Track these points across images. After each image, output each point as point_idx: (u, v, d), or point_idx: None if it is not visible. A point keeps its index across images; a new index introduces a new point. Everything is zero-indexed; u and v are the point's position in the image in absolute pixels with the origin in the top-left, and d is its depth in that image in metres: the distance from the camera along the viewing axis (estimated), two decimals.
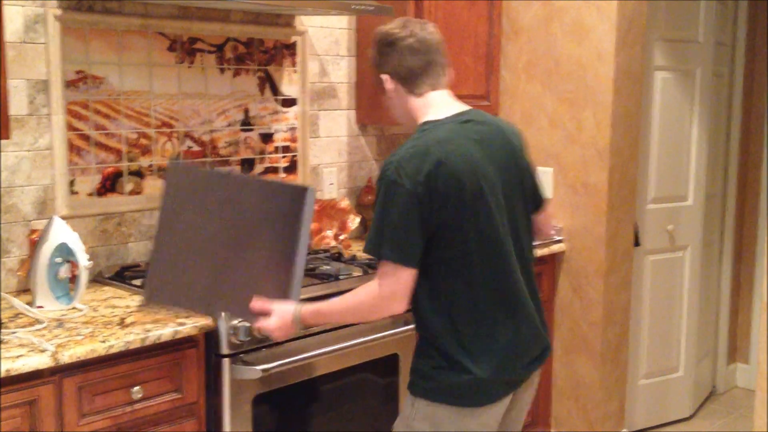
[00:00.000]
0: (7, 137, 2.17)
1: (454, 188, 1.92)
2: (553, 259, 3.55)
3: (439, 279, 1.98)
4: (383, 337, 2.66)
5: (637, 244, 3.71)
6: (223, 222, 2.22)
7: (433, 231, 1.93)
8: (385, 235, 1.92)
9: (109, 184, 2.73)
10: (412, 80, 2.05)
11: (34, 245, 2.38)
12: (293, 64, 3.21)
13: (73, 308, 2.33)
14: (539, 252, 3.25)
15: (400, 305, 1.96)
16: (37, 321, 2.20)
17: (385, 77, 2.07)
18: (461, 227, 1.94)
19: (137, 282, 2.58)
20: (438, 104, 2.06)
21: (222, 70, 2.99)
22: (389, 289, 1.94)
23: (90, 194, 2.68)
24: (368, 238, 1.96)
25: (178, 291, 2.24)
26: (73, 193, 2.63)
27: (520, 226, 2.07)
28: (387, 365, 2.75)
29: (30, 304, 2.33)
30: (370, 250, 1.96)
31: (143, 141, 2.80)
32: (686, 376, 4.11)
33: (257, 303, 2.11)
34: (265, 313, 2.10)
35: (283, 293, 2.14)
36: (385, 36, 2.06)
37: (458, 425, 2.00)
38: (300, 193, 2.18)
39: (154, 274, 2.27)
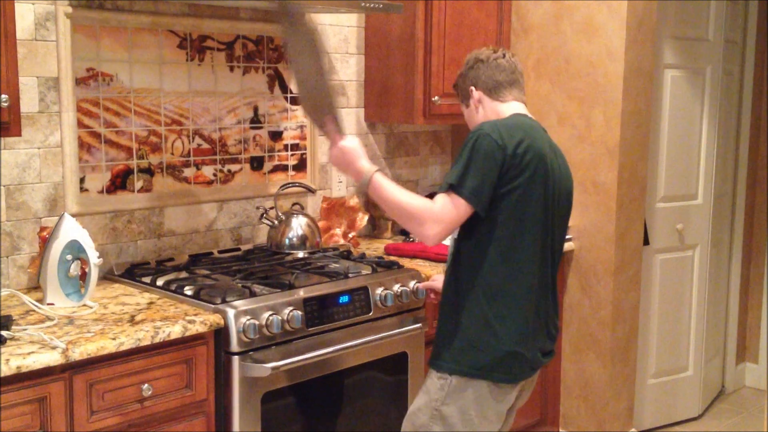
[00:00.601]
0: (19, 134, 2.17)
1: (533, 163, 2.08)
2: (563, 258, 3.54)
3: (488, 247, 2.09)
4: (392, 335, 2.67)
5: (646, 242, 3.70)
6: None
7: (502, 193, 2.06)
8: (464, 173, 2.04)
9: (119, 182, 2.73)
10: (498, 90, 2.27)
11: (45, 242, 2.38)
12: None
13: (84, 305, 2.34)
14: None
15: (438, 235, 2.07)
16: (48, 318, 2.20)
17: (472, 89, 2.29)
18: (525, 200, 2.08)
19: (147, 279, 2.58)
20: (521, 108, 2.27)
21: (232, 68, 2.99)
22: (442, 214, 2.05)
23: (100, 192, 2.69)
24: (448, 174, 2.08)
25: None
26: (83, 190, 2.64)
27: (557, 231, 2.24)
28: (396, 363, 2.75)
29: (40, 301, 2.34)
30: (447, 181, 2.07)
31: (153, 138, 2.80)
32: (695, 376, 4.10)
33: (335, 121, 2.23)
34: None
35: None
36: (478, 54, 2.31)
37: (489, 404, 2.12)
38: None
39: None
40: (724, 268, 4.37)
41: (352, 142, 2.20)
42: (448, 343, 2.15)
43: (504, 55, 2.29)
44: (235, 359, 2.30)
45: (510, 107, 2.26)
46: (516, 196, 2.07)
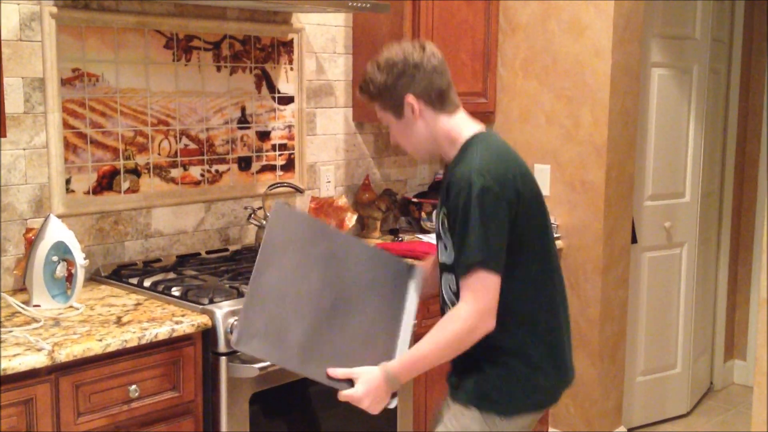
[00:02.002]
0: (4, 135, 2.16)
1: (532, 193, 1.95)
2: None
3: (517, 284, 1.93)
4: None
5: (634, 241, 3.71)
6: (326, 278, 2.05)
7: (515, 236, 1.90)
8: (482, 244, 1.84)
9: (106, 183, 2.72)
10: (441, 99, 2.00)
11: (31, 244, 2.37)
12: (290, 62, 3.20)
13: (70, 307, 2.33)
14: None
15: (493, 320, 1.88)
16: (34, 320, 2.19)
17: (411, 99, 1.97)
18: (537, 232, 1.97)
19: (134, 280, 2.57)
20: (469, 121, 2.04)
21: (219, 68, 2.98)
22: (485, 304, 1.86)
23: (86, 192, 2.68)
24: (461, 250, 1.87)
25: (269, 341, 1.96)
26: (69, 191, 2.63)
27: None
28: None
29: (26, 303, 2.32)
30: (468, 262, 1.86)
31: (140, 139, 2.79)
32: (683, 373, 4.11)
33: (338, 370, 1.94)
34: (349, 380, 1.93)
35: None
36: (406, 58, 1.97)
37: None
38: (408, 269, 2.18)
39: (247, 317, 1.94)
40: (711, 266, 4.39)
41: (368, 385, 1.92)
42: (487, 380, 1.98)
43: (434, 54, 1.99)
44: (223, 360, 2.29)
45: (460, 120, 2.02)
46: (530, 229, 1.95)
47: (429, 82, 1.97)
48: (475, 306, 1.86)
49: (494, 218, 1.85)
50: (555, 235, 3.45)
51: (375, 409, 1.94)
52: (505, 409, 1.97)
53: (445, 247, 2.00)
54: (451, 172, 1.95)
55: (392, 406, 1.97)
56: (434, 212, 2.07)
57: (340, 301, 2.04)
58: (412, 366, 1.93)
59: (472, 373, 1.99)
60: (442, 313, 2.04)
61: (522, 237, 1.92)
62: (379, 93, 2.00)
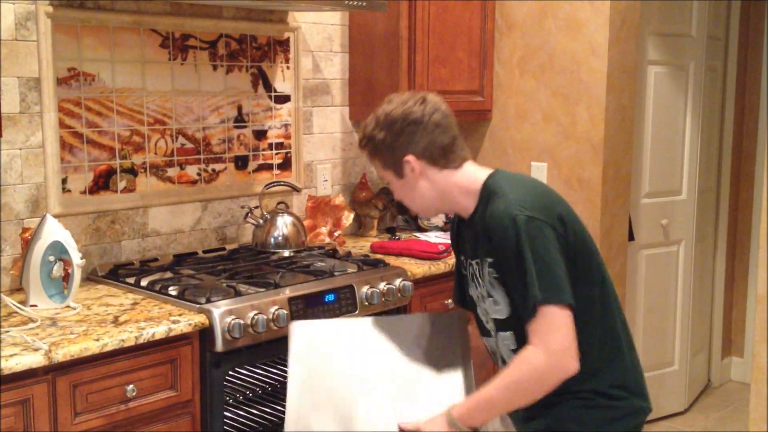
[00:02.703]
0: (0, 135, 2.16)
1: (576, 220, 1.84)
2: None
3: (589, 313, 1.79)
4: None
5: (631, 238, 3.71)
6: (375, 368, 1.96)
7: (573, 265, 1.76)
8: (543, 278, 1.68)
9: (102, 182, 2.72)
10: (446, 155, 1.86)
11: (27, 244, 2.37)
12: (286, 61, 3.20)
13: (67, 307, 2.32)
14: None
15: (576, 360, 1.70)
16: (30, 320, 2.19)
17: (410, 159, 1.84)
18: (591, 258, 1.84)
19: (131, 280, 2.57)
20: (479, 168, 1.90)
21: (215, 67, 2.98)
22: (562, 343, 1.69)
23: (83, 192, 2.67)
24: (524, 293, 1.71)
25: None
26: (65, 191, 2.62)
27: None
28: None
29: (23, 302, 2.32)
30: (532, 303, 1.69)
31: (136, 138, 2.79)
32: (681, 370, 4.12)
33: (407, 424, 1.82)
34: None
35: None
36: (406, 115, 1.84)
37: None
38: (450, 318, 2.04)
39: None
40: (708, 263, 4.39)
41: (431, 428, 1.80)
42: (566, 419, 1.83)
43: (437, 108, 1.85)
44: (221, 359, 2.29)
45: (470, 169, 1.89)
46: (584, 255, 1.82)
47: (430, 140, 1.83)
48: (549, 348, 1.68)
49: (549, 249, 1.71)
50: None
51: None
52: None
53: (495, 303, 1.83)
54: (482, 216, 1.80)
55: None
56: (468, 269, 1.93)
57: (396, 379, 1.93)
58: (481, 408, 1.78)
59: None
60: None
61: (581, 264, 1.78)
62: (378, 151, 1.89)
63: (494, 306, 1.84)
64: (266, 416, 2.72)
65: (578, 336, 1.72)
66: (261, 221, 2.98)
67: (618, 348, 1.87)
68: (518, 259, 1.71)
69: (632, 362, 1.90)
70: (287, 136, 3.25)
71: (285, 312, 2.39)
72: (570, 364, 1.69)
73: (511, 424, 1.98)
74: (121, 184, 2.76)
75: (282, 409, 2.68)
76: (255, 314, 2.33)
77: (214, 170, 3.02)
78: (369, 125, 1.91)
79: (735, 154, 4.44)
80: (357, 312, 2.61)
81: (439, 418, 1.79)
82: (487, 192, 1.82)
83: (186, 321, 2.22)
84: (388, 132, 1.85)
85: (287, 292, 2.47)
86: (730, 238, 4.51)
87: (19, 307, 2.27)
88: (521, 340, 1.77)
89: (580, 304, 1.73)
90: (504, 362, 1.88)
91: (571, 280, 1.73)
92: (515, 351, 1.80)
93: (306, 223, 3.16)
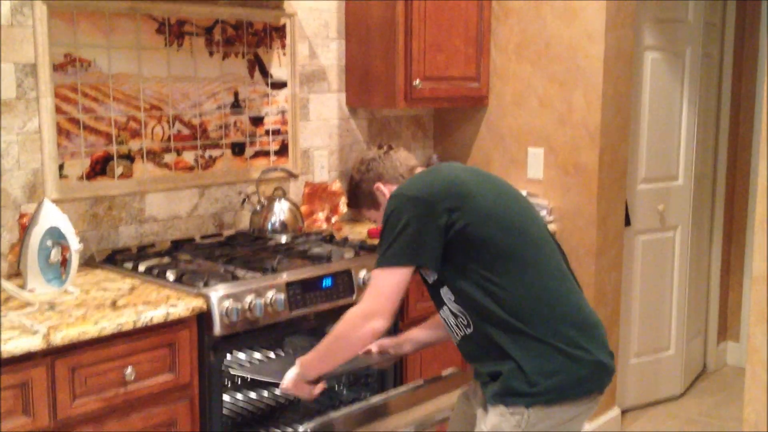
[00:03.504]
0: None
1: (482, 197, 1.96)
2: None
3: (516, 275, 1.93)
4: None
5: (627, 224, 3.72)
6: None
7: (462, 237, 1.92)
8: (391, 245, 1.93)
9: (99, 168, 2.72)
10: (413, 173, 2.16)
11: (25, 229, 2.37)
12: (282, 47, 3.20)
13: (65, 291, 2.33)
14: None
15: (381, 320, 1.94)
16: (29, 304, 2.20)
17: (379, 186, 2.17)
18: (503, 231, 1.94)
19: (128, 265, 2.58)
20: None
21: (211, 53, 2.98)
22: (373, 303, 1.95)
23: (80, 178, 2.68)
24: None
25: None
26: (62, 177, 2.63)
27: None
28: None
29: (21, 287, 2.33)
30: (377, 264, 1.94)
31: (132, 124, 2.79)
32: (677, 355, 4.14)
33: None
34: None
35: None
36: (364, 157, 2.23)
37: (576, 422, 1.96)
38: None
39: None
40: (705, 248, 4.41)
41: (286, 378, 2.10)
42: (513, 375, 1.92)
43: (400, 153, 2.22)
44: (219, 343, 2.30)
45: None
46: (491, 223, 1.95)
47: (394, 167, 2.17)
48: (360, 306, 1.95)
49: (406, 219, 1.90)
50: (548, 219, 3.48)
51: (303, 396, 2.13)
52: (528, 401, 1.90)
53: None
54: None
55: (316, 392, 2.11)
56: None
57: None
58: (312, 360, 2.06)
59: (489, 374, 1.98)
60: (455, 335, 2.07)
61: (482, 239, 1.91)
62: (357, 196, 2.22)
63: (426, 271, 2.03)
64: (264, 400, 2.74)
65: (495, 298, 1.89)
66: (258, 207, 2.98)
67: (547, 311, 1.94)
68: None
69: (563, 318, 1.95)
70: (284, 123, 3.25)
71: (282, 297, 2.41)
72: (374, 323, 1.91)
73: (475, 405, 2.07)
74: (118, 170, 2.77)
75: (279, 393, 2.71)
76: (252, 299, 2.34)
77: (211, 156, 3.02)
78: (347, 186, 2.27)
79: (731, 140, 4.45)
80: (354, 297, 2.62)
81: (291, 372, 2.07)
82: None
83: (184, 305, 2.23)
84: (357, 176, 2.21)
85: (284, 277, 2.47)
86: (726, 224, 4.53)
87: (17, 291, 2.28)
88: (456, 292, 1.96)
89: (485, 270, 1.90)
90: (455, 316, 2.01)
91: (467, 249, 1.90)
92: (455, 301, 1.97)
93: (303, 209, 3.17)
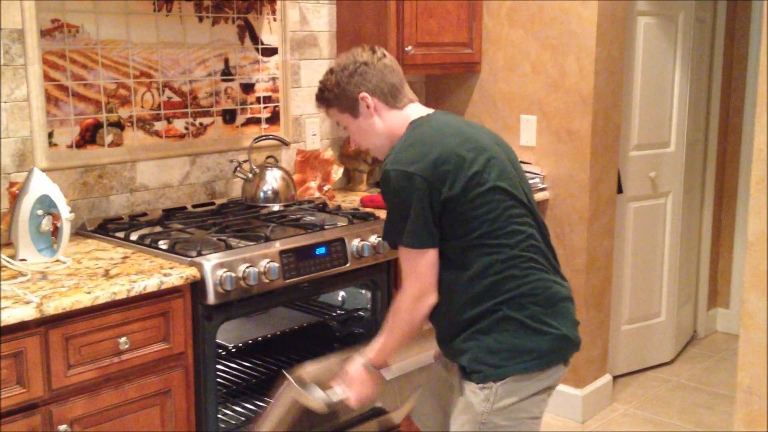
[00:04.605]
0: None
1: (463, 166, 1.93)
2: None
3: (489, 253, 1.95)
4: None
5: (620, 191, 3.72)
6: None
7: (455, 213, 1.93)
8: (407, 226, 1.94)
9: (89, 136, 2.69)
10: (394, 94, 2.07)
11: (15, 198, 2.34)
12: (273, 12, 3.15)
13: (57, 261, 2.31)
14: None
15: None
16: (21, 274, 2.18)
17: (364, 96, 2.05)
18: (484, 205, 1.94)
19: (120, 234, 2.55)
20: (418, 110, 2.11)
21: (200, 18, 2.93)
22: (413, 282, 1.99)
23: (69, 146, 2.64)
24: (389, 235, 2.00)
25: None
26: (52, 145, 2.59)
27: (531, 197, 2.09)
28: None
29: (12, 257, 2.30)
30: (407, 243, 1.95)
31: (122, 91, 2.75)
32: (668, 321, 4.16)
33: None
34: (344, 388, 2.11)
35: None
36: (357, 58, 2.07)
37: (536, 400, 1.99)
38: None
39: None
40: (696, 215, 4.42)
41: (348, 379, 2.10)
42: (481, 353, 1.96)
43: (384, 54, 2.09)
44: (213, 311, 2.29)
45: (408, 113, 2.09)
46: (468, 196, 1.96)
47: (380, 78, 2.05)
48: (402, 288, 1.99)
49: (409, 199, 1.90)
50: (541, 186, 3.47)
51: (367, 395, 2.11)
52: (495, 376, 1.95)
53: None
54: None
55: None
56: None
57: None
58: (380, 347, 2.06)
59: (459, 351, 2.02)
60: None
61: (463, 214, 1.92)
62: (334, 96, 2.09)
63: None
64: (258, 368, 2.74)
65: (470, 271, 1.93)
66: (250, 175, 2.96)
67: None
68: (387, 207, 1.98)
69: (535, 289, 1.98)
70: (275, 90, 3.22)
71: (276, 265, 2.39)
72: (426, 300, 1.97)
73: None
74: (108, 138, 2.73)
75: (272, 360, 2.70)
76: (246, 267, 2.33)
77: (201, 124, 2.99)
78: (323, 77, 2.12)
79: (723, 106, 4.44)
80: (348, 265, 2.61)
81: (353, 367, 2.07)
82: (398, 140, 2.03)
83: (177, 274, 2.22)
84: (341, 75, 2.06)
85: (278, 246, 2.46)
86: (717, 191, 4.53)
87: (9, 261, 2.26)
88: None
89: (469, 242, 1.92)
90: None
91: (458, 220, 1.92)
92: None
93: (295, 177, 3.15)
